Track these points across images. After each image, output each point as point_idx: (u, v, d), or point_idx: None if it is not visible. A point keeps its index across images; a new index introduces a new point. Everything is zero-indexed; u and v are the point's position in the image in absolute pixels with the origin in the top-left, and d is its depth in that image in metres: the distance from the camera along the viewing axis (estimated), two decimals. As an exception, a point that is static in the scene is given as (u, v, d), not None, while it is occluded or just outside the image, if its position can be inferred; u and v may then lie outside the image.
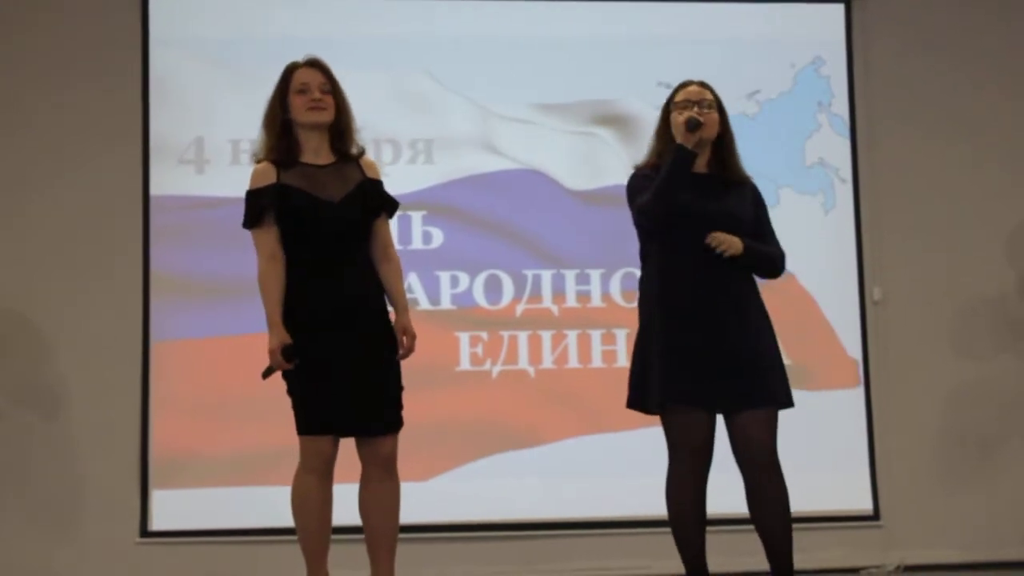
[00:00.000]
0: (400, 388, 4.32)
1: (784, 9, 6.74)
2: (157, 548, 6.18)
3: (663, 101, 6.44)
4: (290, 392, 4.26)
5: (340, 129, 4.36)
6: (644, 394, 4.33)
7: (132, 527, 6.18)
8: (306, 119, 4.29)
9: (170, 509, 6.20)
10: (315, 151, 4.33)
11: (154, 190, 6.36)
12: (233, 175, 6.35)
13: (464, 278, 6.43)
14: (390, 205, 4.42)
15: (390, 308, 4.38)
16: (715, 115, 4.40)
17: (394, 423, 4.28)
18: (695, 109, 4.36)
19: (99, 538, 6.16)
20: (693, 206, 4.28)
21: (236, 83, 6.43)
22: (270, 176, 4.27)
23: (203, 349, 6.27)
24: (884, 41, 6.76)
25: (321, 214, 4.22)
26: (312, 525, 4.25)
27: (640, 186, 4.38)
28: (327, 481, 4.25)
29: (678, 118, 4.35)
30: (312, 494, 4.23)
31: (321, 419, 4.20)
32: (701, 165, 4.40)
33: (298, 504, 4.26)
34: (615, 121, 6.58)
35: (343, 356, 4.19)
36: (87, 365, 6.23)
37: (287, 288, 4.25)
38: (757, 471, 4.27)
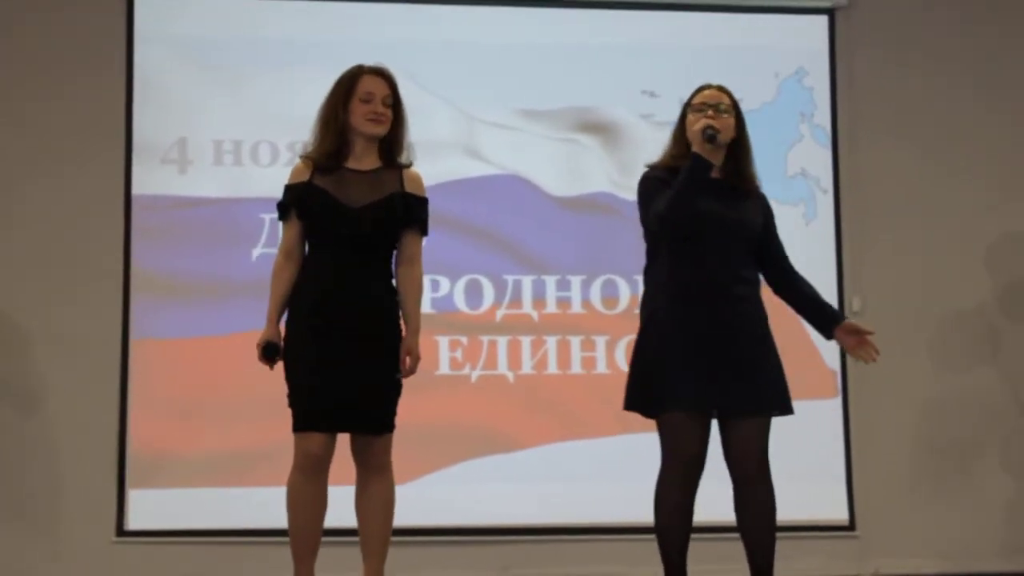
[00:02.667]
0: (396, 392, 4.32)
1: (768, 19, 6.76)
2: (133, 548, 6.16)
3: (646, 109, 6.55)
4: (287, 388, 4.27)
5: (392, 140, 4.39)
6: (643, 396, 4.32)
7: (108, 526, 6.17)
8: (364, 129, 4.33)
9: (147, 508, 6.19)
10: (359, 157, 4.35)
11: (136, 189, 6.35)
12: (215, 175, 6.38)
13: (444, 282, 6.43)
14: (419, 222, 4.39)
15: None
16: (731, 120, 4.34)
17: (383, 424, 4.28)
18: (710, 113, 4.31)
19: (75, 537, 6.15)
20: (706, 212, 4.26)
21: (220, 84, 6.44)
22: (304, 175, 4.32)
23: (183, 349, 6.26)
24: (867, 52, 6.78)
25: (339, 218, 4.25)
26: (296, 524, 4.25)
27: (653, 189, 4.34)
28: (316, 481, 4.23)
29: (694, 124, 4.29)
30: (301, 492, 4.23)
31: (308, 416, 4.20)
32: (714, 170, 4.32)
33: (287, 503, 4.26)
34: (598, 128, 6.59)
35: (337, 355, 4.19)
36: (66, 363, 6.21)
37: (300, 282, 4.29)
38: (747, 480, 4.30)
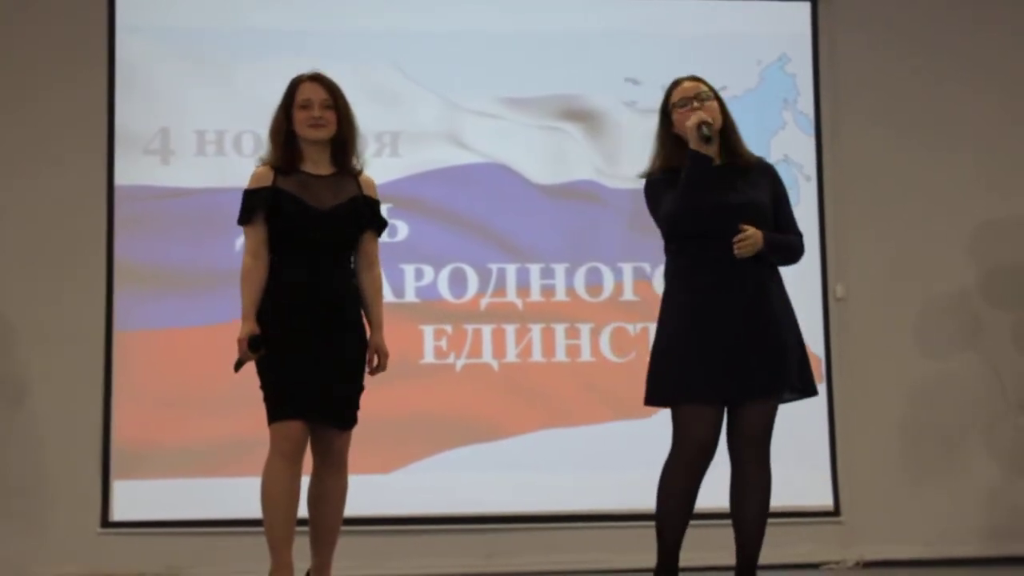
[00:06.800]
0: (361, 389, 4.45)
1: (751, 6, 6.75)
2: (118, 538, 6.17)
3: (630, 96, 6.55)
4: (262, 382, 4.33)
5: (342, 142, 4.47)
6: (661, 389, 4.34)
7: (93, 517, 6.17)
8: (306, 135, 4.42)
9: (131, 499, 6.19)
10: (315, 162, 4.46)
11: (119, 180, 6.34)
12: (198, 166, 6.37)
13: (429, 271, 6.43)
14: (380, 223, 4.54)
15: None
16: (715, 104, 4.38)
17: (351, 420, 4.41)
18: (695, 105, 4.35)
19: (60, 528, 6.15)
20: (714, 204, 4.28)
21: (203, 74, 6.43)
22: (267, 180, 4.40)
23: (166, 340, 6.25)
24: (850, 38, 6.78)
25: (309, 220, 4.35)
26: (278, 511, 4.28)
27: (658, 193, 4.39)
28: (296, 467, 4.30)
29: (685, 121, 4.32)
30: (281, 478, 4.27)
31: (291, 404, 4.27)
32: (713, 157, 4.35)
33: (266, 489, 4.29)
34: (581, 116, 6.58)
35: (312, 351, 4.29)
36: (50, 354, 6.20)
37: (271, 282, 4.37)
38: (746, 463, 4.35)
